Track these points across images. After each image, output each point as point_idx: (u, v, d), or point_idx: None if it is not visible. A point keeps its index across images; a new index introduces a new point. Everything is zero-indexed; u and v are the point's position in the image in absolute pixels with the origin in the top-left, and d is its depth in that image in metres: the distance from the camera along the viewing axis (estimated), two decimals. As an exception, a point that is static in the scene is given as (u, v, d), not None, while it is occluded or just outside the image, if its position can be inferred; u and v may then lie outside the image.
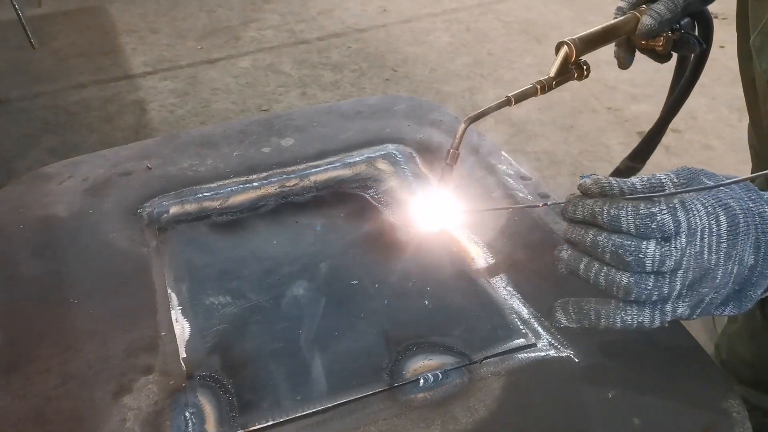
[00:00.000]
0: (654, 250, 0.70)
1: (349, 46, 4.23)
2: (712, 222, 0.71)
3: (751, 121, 1.28)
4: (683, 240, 0.70)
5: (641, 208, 0.70)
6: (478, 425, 0.81)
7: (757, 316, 1.40)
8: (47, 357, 0.92)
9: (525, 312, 0.95)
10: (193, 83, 3.84)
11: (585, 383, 0.84)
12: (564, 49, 1.11)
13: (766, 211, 0.73)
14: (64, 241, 1.11)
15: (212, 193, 1.19)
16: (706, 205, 0.71)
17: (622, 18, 1.16)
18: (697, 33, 1.21)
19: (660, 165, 3.15)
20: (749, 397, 1.49)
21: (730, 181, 0.72)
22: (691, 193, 0.72)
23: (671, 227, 0.70)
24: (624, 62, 1.23)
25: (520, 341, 0.90)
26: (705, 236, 0.71)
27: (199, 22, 4.52)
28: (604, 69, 3.79)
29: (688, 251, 0.71)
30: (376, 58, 4.11)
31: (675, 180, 0.73)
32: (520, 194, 1.17)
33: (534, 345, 0.90)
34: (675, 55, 1.24)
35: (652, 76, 3.57)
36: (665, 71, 1.29)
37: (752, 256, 0.73)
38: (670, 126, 1.40)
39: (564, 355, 0.88)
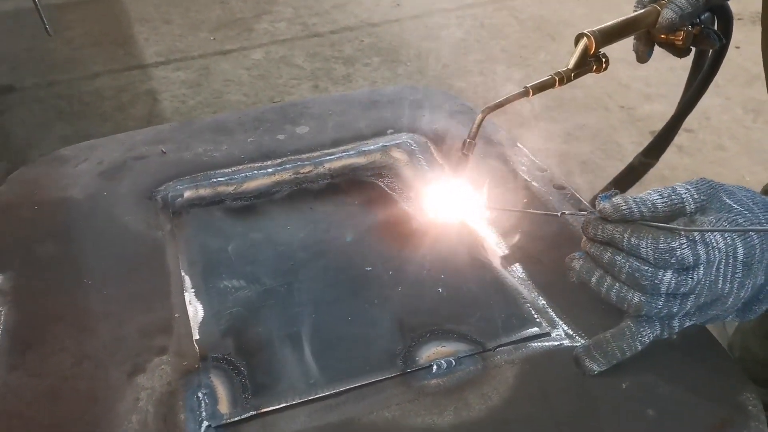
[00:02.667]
0: (670, 279, 0.71)
1: (362, 40, 4.22)
2: (730, 253, 0.72)
3: None
4: (701, 272, 0.71)
5: (661, 241, 0.71)
6: (491, 412, 0.81)
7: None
8: (62, 337, 0.92)
9: (539, 301, 0.95)
10: (206, 74, 3.84)
11: (599, 374, 0.83)
12: (584, 41, 1.10)
13: None
14: (79, 223, 1.11)
15: (227, 178, 1.19)
16: (726, 236, 0.71)
17: (642, 11, 1.15)
18: (716, 27, 1.20)
19: (672, 164, 3.14)
20: (760, 395, 1.49)
21: (760, 228, 0.72)
22: (711, 221, 0.72)
23: (690, 261, 0.71)
24: (643, 56, 1.22)
25: (534, 330, 0.90)
26: (721, 267, 0.72)
27: (213, 13, 4.51)
28: (618, 67, 3.78)
29: (703, 280, 0.72)
30: (389, 52, 4.10)
31: (695, 196, 0.74)
32: (536, 185, 1.17)
33: (548, 334, 0.90)
34: (693, 50, 1.23)
35: (666, 76, 3.55)
36: (679, 70, 1.28)
37: (763, 277, 0.74)
38: (684, 125, 1.39)
39: (578, 344, 0.87)
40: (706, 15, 1.17)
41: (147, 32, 4.30)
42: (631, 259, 0.73)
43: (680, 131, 3.70)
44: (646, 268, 0.72)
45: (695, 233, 0.71)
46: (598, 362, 0.82)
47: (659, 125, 1.39)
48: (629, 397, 0.82)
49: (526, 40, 4.22)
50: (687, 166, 3.22)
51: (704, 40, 1.18)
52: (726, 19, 1.20)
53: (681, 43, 1.15)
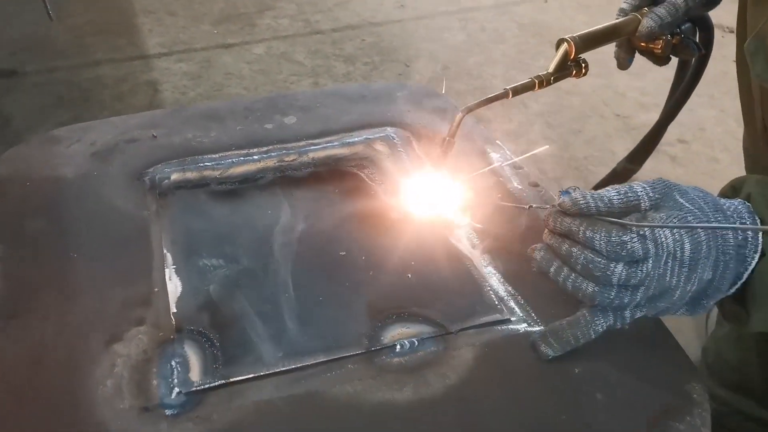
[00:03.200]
0: (621, 270, 0.76)
1: (363, 39, 4.27)
2: (677, 248, 0.76)
3: (745, 126, 1.31)
4: (649, 264, 0.76)
5: (613, 235, 0.75)
6: (448, 390, 0.85)
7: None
8: (46, 307, 0.97)
9: (502, 290, 0.99)
10: (207, 67, 3.89)
11: (554, 359, 0.87)
12: (564, 46, 1.14)
13: (728, 234, 0.78)
14: (68, 201, 1.16)
15: (213, 163, 1.23)
16: (674, 232, 0.76)
17: (623, 19, 1.19)
18: (698, 38, 1.24)
19: (665, 174, 3.15)
20: (732, 400, 1.53)
21: (715, 225, 0.76)
22: (661, 218, 0.76)
23: (640, 254, 0.75)
24: (623, 63, 1.26)
25: (496, 316, 0.94)
26: (669, 261, 0.76)
27: (216, 6, 4.56)
28: (616, 76, 3.82)
29: (652, 273, 0.76)
30: (390, 52, 4.14)
31: (651, 194, 0.78)
32: (512, 183, 1.21)
33: (509, 320, 0.94)
34: (673, 59, 1.27)
35: (663, 86, 3.58)
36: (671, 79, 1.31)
37: (710, 272, 0.78)
38: (678, 137, 1.44)
39: (536, 330, 0.91)
40: (687, 26, 1.21)
41: (151, 23, 4.35)
42: (585, 251, 0.78)
43: (674, 142, 3.71)
44: (599, 259, 0.76)
45: (645, 228, 0.76)
46: (553, 348, 0.87)
47: None
48: (580, 381, 0.86)
49: (526, 45, 4.26)
50: (680, 177, 3.26)
51: (684, 49, 1.22)
52: (707, 30, 1.24)
53: (660, 51, 1.19)
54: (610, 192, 0.78)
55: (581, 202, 0.78)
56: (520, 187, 1.20)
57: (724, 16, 1.30)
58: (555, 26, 4.45)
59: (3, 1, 4.36)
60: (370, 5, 4.67)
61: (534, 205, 0.91)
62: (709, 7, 1.22)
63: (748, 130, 1.28)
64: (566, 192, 0.81)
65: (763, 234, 0.78)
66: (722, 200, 0.81)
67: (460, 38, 4.34)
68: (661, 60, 1.24)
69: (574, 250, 0.79)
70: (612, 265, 0.76)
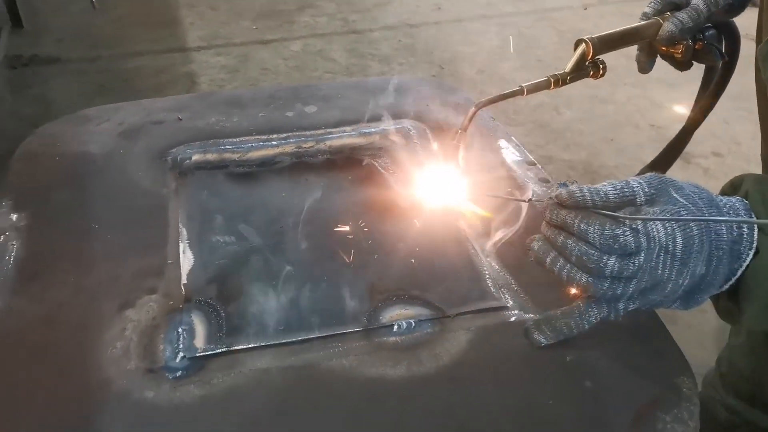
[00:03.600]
0: (614, 263, 0.77)
1: (399, 39, 4.31)
2: (669, 242, 0.77)
3: (762, 133, 1.30)
4: (641, 258, 0.77)
5: (606, 228, 0.77)
6: (440, 370, 0.87)
7: (758, 332, 1.42)
8: (65, 271, 1.02)
9: (502, 279, 1.01)
10: (244, 61, 3.97)
11: (546, 346, 0.89)
12: (582, 47, 1.15)
13: (722, 229, 0.79)
14: (93, 175, 1.21)
15: (233, 146, 1.28)
16: (666, 227, 0.77)
17: (645, 22, 1.20)
18: (724, 46, 1.24)
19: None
20: (743, 410, 1.52)
21: (706, 219, 0.78)
22: (654, 213, 0.78)
23: (632, 247, 0.77)
24: (644, 66, 1.27)
25: (493, 303, 0.97)
26: (661, 255, 0.78)
27: (257, 2, 4.65)
28: (652, 86, 3.80)
29: (644, 266, 0.78)
30: (425, 54, 4.17)
31: (646, 189, 0.80)
32: (522, 178, 1.23)
33: (505, 307, 0.96)
34: (695, 64, 1.27)
35: (699, 97, 3.55)
36: None
37: (704, 267, 0.79)
38: (713, 150, 1.43)
39: (530, 317, 0.93)
40: (711, 32, 1.21)
41: (192, 17, 4.45)
42: (580, 243, 0.79)
43: (708, 155, 3.65)
44: (593, 252, 0.78)
45: (638, 222, 0.77)
46: (546, 335, 0.89)
47: (689, 146, 1.42)
48: (571, 368, 0.88)
49: (563, 52, 4.25)
50: (712, 190, 3.22)
51: (707, 55, 1.22)
52: (733, 38, 1.24)
53: (680, 56, 1.19)
54: (606, 186, 0.80)
55: (577, 194, 0.80)
56: (530, 182, 1.21)
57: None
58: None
59: (51, -9, 4.52)
60: (408, 7, 4.71)
61: (533, 199, 0.93)
62: (732, 14, 1.21)
63: (763, 137, 1.28)
64: (564, 184, 0.83)
65: (758, 230, 0.79)
66: (719, 196, 0.82)
67: (496, 42, 4.35)
68: (682, 65, 1.24)
69: (569, 242, 0.80)
70: (605, 257, 0.78)
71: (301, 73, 3.91)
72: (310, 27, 4.40)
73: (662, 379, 0.88)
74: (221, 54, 4.04)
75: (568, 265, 0.81)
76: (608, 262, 0.77)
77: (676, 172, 3.31)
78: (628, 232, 0.77)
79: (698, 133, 1.41)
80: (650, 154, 1.43)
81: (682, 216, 0.77)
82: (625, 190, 0.79)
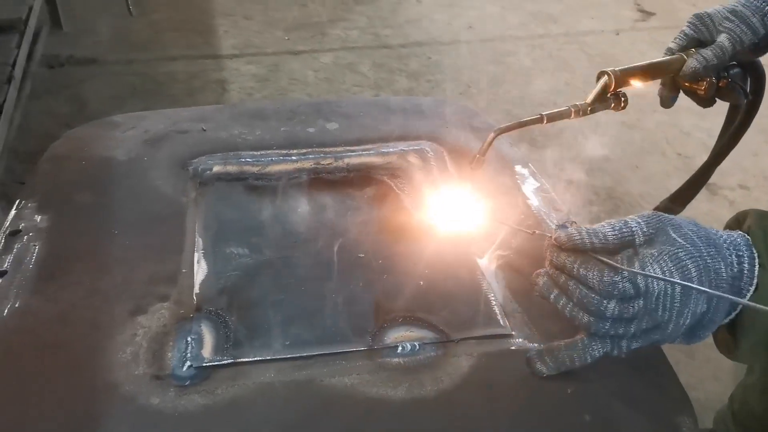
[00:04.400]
0: (614, 307, 0.79)
1: (429, 56, 4.33)
2: (668, 285, 0.78)
3: None
4: (641, 301, 0.78)
5: (605, 275, 0.78)
6: (440, 394, 0.88)
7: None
8: (81, 273, 1.05)
9: (509, 306, 1.02)
10: (275, 71, 4.01)
11: (548, 377, 0.90)
12: (604, 79, 1.16)
13: (720, 267, 0.79)
14: (116, 180, 1.24)
15: (254, 159, 1.30)
16: (664, 268, 0.78)
17: (668, 57, 1.21)
18: (749, 84, 1.24)
19: (721, 218, 3.11)
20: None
21: (700, 288, 0.78)
22: (652, 254, 0.79)
23: (632, 292, 0.78)
24: (666, 101, 1.27)
25: (497, 330, 0.97)
26: (660, 297, 0.78)
27: (291, 14, 4.70)
28: (681, 114, 3.77)
29: (644, 309, 0.79)
30: (454, 71, 4.19)
31: (645, 229, 0.81)
32: (536, 205, 1.23)
33: (510, 336, 0.97)
34: (718, 102, 1.27)
35: (729, 129, 3.51)
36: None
37: (705, 305, 0.80)
38: (740, 182, 1.42)
39: (534, 347, 0.94)
40: (736, 70, 1.22)
41: (227, 25, 4.51)
42: (580, 287, 0.81)
43: (735, 187, 3.62)
44: (593, 296, 0.80)
45: (636, 265, 0.78)
46: (548, 366, 0.89)
47: (715, 178, 1.41)
48: (571, 401, 0.88)
49: (592, 77, 4.23)
50: (736, 222, 3.18)
51: (730, 93, 1.23)
52: (758, 77, 1.24)
53: (703, 93, 1.20)
54: (605, 227, 0.81)
55: (576, 237, 0.81)
56: (544, 209, 1.22)
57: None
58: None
59: (92, -5, 4.61)
60: (439, 24, 4.73)
61: (538, 232, 0.94)
62: (758, 53, 1.21)
63: None
64: (563, 226, 0.84)
65: (758, 266, 0.79)
66: (719, 233, 0.82)
67: (526, 64, 4.35)
68: (704, 102, 1.24)
69: (570, 284, 0.82)
70: (605, 301, 0.79)
71: (329, 85, 3.94)
72: (341, 40, 4.44)
73: (662, 416, 0.88)
74: (252, 63, 4.09)
75: (570, 304, 0.83)
76: (608, 306, 0.79)
77: (702, 203, 3.30)
78: (626, 278, 0.78)
79: (726, 165, 1.40)
80: (676, 184, 1.43)
81: (680, 257, 0.77)
82: (624, 230, 0.80)
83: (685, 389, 0.93)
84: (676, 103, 1.26)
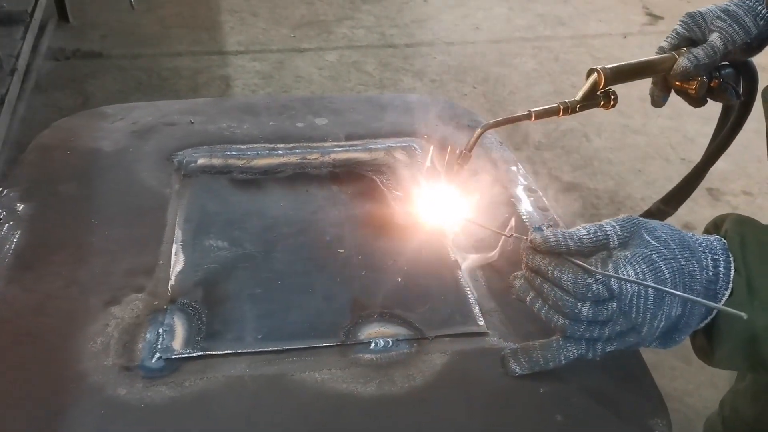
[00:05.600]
0: (588, 309, 0.78)
1: (434, 57, 4.32)
2: (641, 288, 0.77)
3: None
4: (614, 304, 0.78)
5: (579, 277, 0.78)
6: (411, 391, 0.88)
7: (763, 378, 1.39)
8: (60, 264, 1.04)
9: (487, 305, 1.01)
10: (279, 68, 4.01)
11: (522, 376, 0.88)
12: (594, 76, 1.15)
13: (695, 270, 0.78)
14: (101, 172, 1.24)
15: (239, 153, 1.30)
16: (637, 270, 0.77)
17: (660, 56, 1.19)
18: (741, 84, 1.23)
19: (723, 223, 3.08)
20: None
21: (671, 291, 0.77)
22: (626, 256, 0.78)
23: (605, 294, 0.78)
24: (657, 100, 1.26)
25: (472, 328, 0.96)
26: (634, 299, 0.78)
27: (297, 11, 4.70)
28: (686, 119, 3.74)
29: (618, 311, 0.78)
30: (459, 72, 4.17)
31: (619, 233, 0.80)
32: (522, 203, 1.22)
33: (486, 334, 0.96)
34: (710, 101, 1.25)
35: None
36: (750, 132, 1.29)
37: (680, 308, 0.79)
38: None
39: (509, 346, 0.93)
40: (728, 71, 1.20)
41: (233, 22, 4.52)
42: (555, 289, 0.81)
43: (739, 193, 3.58)
44: (568, 298, 0.79)
45: (609, 267, 0.78)
46: (521, 365, 0.88)
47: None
48: (543, 401, 0.87)
49: (597, 80, 4.22)
50: (739, 228, 3.15)
51: (722, 94, 1.21)
52: (751, 77, 1.23)
53: (694, 92, 1.18)
54: (581, 231, 0.81)
55: (551, 240, 0.81)
56: (530, 209, 1.21)
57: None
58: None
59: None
60: (446, 24, 4.72)
61: (514, 234, 0.93)
62: (750, 53, 1.20)
63: None
64: (539, 228, 0.83)
65: (733, 271, 0.78)
66: (695, 237, 0.81)
67: (531, 65, 4.34)
68: (695, 101, 1.23)
69: (545, 286, 0.82)
70: (579, 304, 0.78)
71: (334, 83, 3.94)
72: (347, 38, 4.44)
73: (636, 418, 0.87)
74: (257, 60, 4.09)
75: (546, 306, 0.82)
76: (582, 308, 0.78)
77: (705, 209, 3.28)
78: (600, 281, 0.77)
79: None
80: (678, 188, 1.42)
81: (653, 259, 0.76)
82: (599, 234, 0.80)
83: (660, 391, 0.91)
84: (682, 109, 1.24)
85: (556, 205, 1.27)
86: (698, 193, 3.30)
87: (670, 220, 1.51)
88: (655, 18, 4.98)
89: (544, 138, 3.63)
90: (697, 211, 3.11)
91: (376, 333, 0.95)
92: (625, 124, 3.76)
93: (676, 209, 1.49)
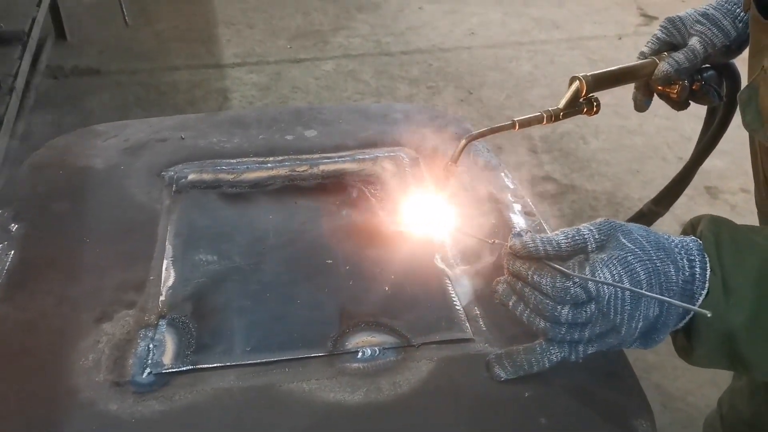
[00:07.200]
0: (567, 312, 0.80)
1: (430, 63, 4.34)
2: (618, 289, 0.79)
3: (754, 180, 1.29)
4: (592, 306, 0.80)
5: (557, 281, 0.80)
6: (398, 399, 0.89)
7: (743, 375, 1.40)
8: (51, 281, 1.06)
9: (473, 311, 1.02)
10: (276, 79, 4.04)
11: (507, 381, 0.90)
12: (576, 84, 1.17)
13: (670, 271, 0.79)
14: (92, 189, 1.26)
15: (229, 167, 1.32)
16: (613, 272, 0.79)
17: (641, 61, 1.21)
18: (724, 86, 1.24)
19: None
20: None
21: (647, 294, 0.78)
22: (602, 259, 0.80)
23: (584, 297, 0.79)
24: (640, 105, 1.27)
25: (458, 334, 0.98)
26: (611, 301, 0.79)
27: (293, 22, 4.74)
28: (682, 119, 3.75)
29: (596, 313, 0.80)
30: (455, 78, 4.20)
31: (596, 236, 0.82)
32: (507, 210, 1.24)
33: (471, 340, 0.97)
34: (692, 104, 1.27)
35: (731, 133, 3.48)
36: (744, 130, 1.30)
37: (657, 309, 0.80)
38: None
39: (495, 351, 0.94)
40: (709, 73, 1.22)
41: (230, 34, 4.56)
42: (535, 293, 0.83)
43: (737, 191, 3.58)
44: (547, 302, 0.81)
45: (586, 270, 0.79)
46: (506, 370, 0.90)
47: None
48: (528, 405, 0.88)
49: (594, 82, 4.24)
50: (738, 226, 3.16)
51: (704, 96, 1.23)
52: (733, 79, 1.24)
53: (676, 96, 1.20)
54: (559, 235, 0.83)
55: (530, 245, 0.83)
56: (515, 214, 1.22)
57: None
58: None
59: (96, 6, 4.67)
60: (441, 31, 4.74)
61: (497, 241, 0.94)
62: (730, 56, 1.21)
63: (757, 184, 1.27)
64: (518, 234, 0.85)
65: (709, 271, 0.79)
66: (671, 238, 0.82)
67: (527, 69, 4.36)
68: (678, 105, 1.24)
69: (526, 290, 0.84)
70: (559, 307, 0.80)
71: (330, 93, 3.97)
72: (343, 48, 4.47)
73: (620, 420, 0.88)
74: (254, 71, 4.12)
75: (528, 311, 0.84)
76: (562, 311, 0.80)
77: (702, 207, 3.27)
78: (578, 284, 0.79)
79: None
80: (678, 189, 1.43)
81: (629, 261, 0.78)
82: (577, 238, 0.82)
83: (644, 392, 0.92)
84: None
85: (553, 208, 1.28)
86: (696, 191, 3.32)
87: (670, 220, 1.51)
88: (649, 18, 5.00)
89: (541, 141, 3.64)
90: (695, 210, 3.11)
91: (363, 342, 0.97)
92: (622, 125, 3.78)
93: (667, 209, 1.50)
